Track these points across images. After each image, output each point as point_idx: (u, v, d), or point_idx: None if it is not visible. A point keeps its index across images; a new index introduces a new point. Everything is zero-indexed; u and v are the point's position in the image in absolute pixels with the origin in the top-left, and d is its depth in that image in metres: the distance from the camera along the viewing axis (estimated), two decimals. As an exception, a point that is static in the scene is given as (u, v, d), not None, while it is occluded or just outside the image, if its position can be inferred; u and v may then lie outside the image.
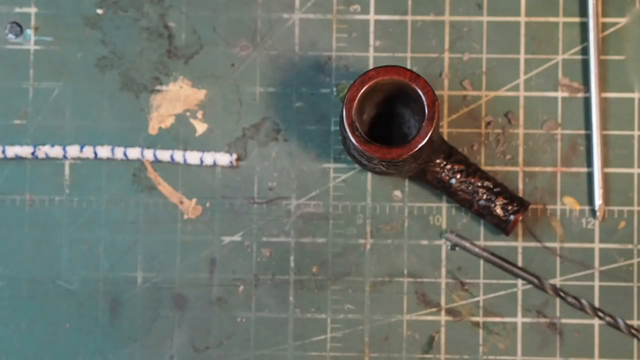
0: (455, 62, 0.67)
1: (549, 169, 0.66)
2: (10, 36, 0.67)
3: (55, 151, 0.66)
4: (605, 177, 0.66)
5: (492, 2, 0.67)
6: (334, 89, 0.67)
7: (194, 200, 0.67)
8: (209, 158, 0.66)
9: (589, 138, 0.66)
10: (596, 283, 0.66)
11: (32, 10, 0.67)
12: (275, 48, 0.67)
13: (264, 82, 0.67)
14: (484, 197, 0.64)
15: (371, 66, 0.67)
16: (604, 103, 0.67)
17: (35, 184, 0.67)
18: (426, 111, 0.59)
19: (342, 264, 0.66)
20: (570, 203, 0.66)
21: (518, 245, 0.66)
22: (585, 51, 0.67)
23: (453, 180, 0.64)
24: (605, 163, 0.66)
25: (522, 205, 0.64)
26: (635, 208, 0.66)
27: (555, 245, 0.66)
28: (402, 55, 0.67)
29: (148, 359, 0.66)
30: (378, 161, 0.60)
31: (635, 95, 0.67)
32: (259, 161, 0.67)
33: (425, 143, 0.59)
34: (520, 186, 0.66)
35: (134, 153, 0.67)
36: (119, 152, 0.66)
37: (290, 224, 0.66)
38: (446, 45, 0.67)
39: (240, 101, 0.67)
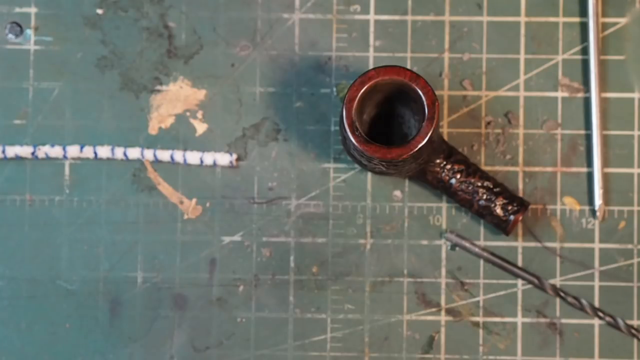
0: (455, 62, 0.67)
1: (549, 169, 0.66)
2: (10, 36, 0.67)
3: (55, 151, 0.66)
4: (605, 177, 0.66)
5: (492, 2, 0.67)
6: (334, 89, 0.67)
7: (194, 200, 0.67)
8: (209, 158, 0.66)
9: (589, 138, 0.66)
10: (596, 283, 0.66)
11: (32, 10, 0.67)
12: (275, 48, 0.67)
13: (264, 82, 0.67)
14: (484, 197, 0.64)
15: (371, 66, 0.67)
16: (604, 103, 0.67)
17: (35, 184, 0.67)
18: (426, 111, 0.59)
19: (342, 264, 0.66)
20: (570, 203, 0.66)
21: (518, 245, 0.66)
22: (585, 51, 0.67)
23: (453, 180, 0.64)
24: (605, 163, 0.66)
25: (522, 205, 0.64)
26: (635, 208, 0.66)
27: (555, 245, 0.66)
28: (402, 55, 0.67)
29: (148, 359, 0.66)
30: (378, 161, 0.60)
31: (635, 95, 0.67)
32: (259, 161, 0.67)
33: (425, 143, 0.59)
34: (520, 186, 0.66)
35: (134, 153, 0.67)
36: (119, 152, 0.66)
37: (290, 224, 0.66)
38: (446, 45, 0.67)
39: (240, 101, 0.67)
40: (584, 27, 0.67)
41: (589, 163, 0.66)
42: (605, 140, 0.66)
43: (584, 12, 0.67)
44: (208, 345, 0.66)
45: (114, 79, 0.67)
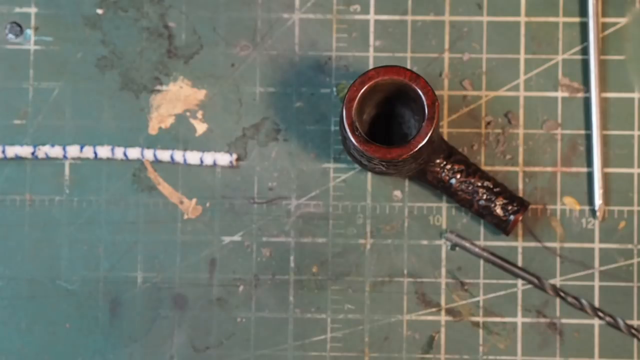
0: (455, 62, 0.67)
1: (549, 169, 0.66)
2: (10, 36, 0.67)
3: (55, 151, 0.66)
4: (605, 177, 0.66)
5: (492, 2, 0.67)
6: (334, 89, 0.67)
7: (194, 200, 0.67)
8: (209, 158, 0.66)
9: (589, 138, 0.67)
10: (596, 283, 0.66)
11: (32, 10, 0.67)
12: (275, 48, 0.67)
13: (264, 82, 0.67)
14: (484, 197, 0.64)
15: (371, 66, 0.67)
16: (604, 103, 0.67)
17: (35, 184, 0.67)
18: (426, 111, 0.59)
19: (342, 264, 0.66)
20: (570, 203, 0.66)
21: (518, 245, 0.66)
22: (585, 51, 0.67)
23: (453, 180, 0.64)
24: (605, 163, 0.66)
25: (522, 205, 0.64)
26: (635, 208, 0.66)
27: (555, 245, 0.66)
28: (402, 55, 0.67)
29: (148, 359, 0.66)
30: (378, 161, 0.60)
31: (635, 95, 0.67)
32: (259, 161, 0.67)
33: (425, 143, 0.59)
34: (520, 186, 0.66)
35: (134, 153, 0.67)
36: (119, 152, 0.66)
37: (290, 224, 0.66)
38: (446, 45, 0.67)
39: (240, 101, 0.67)
40: (584, 27, 0.67)
41: (589, 163, 0.66)
42: (605, 140, 0.66)
43: (584, 12, 0.67)
44: (208, 345, 0.66)
45: (114, 79, 0.67)
